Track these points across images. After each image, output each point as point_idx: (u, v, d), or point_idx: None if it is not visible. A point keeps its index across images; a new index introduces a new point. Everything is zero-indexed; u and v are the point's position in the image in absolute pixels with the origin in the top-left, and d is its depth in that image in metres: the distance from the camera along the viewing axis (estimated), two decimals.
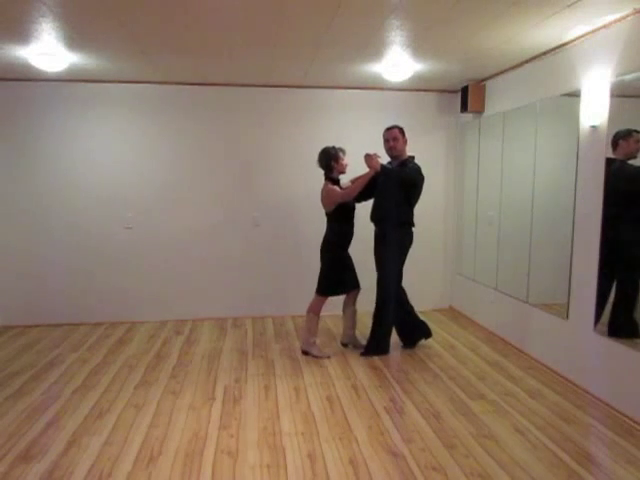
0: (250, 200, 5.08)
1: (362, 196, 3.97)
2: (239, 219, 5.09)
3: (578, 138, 3.37)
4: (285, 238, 5.17)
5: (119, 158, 4.89)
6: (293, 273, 5.23)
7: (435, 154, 5.33)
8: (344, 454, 2.59)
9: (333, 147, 3.95)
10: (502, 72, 4.38)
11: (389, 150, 4.00)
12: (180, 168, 4.97)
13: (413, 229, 4.03)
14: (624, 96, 3.02)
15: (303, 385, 3.49)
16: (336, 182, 3.97)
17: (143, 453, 2.60)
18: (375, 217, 4.09)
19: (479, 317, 4.95)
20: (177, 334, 4.64)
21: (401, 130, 3.99)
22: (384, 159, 4.01)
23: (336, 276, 4.01)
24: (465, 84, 4.78)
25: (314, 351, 4.03)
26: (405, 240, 4.02)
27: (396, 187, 3.89)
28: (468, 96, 4.72)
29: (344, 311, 4.21)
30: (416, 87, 5.04)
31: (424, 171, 5.33)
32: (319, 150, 5.10)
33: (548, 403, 3.20)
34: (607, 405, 3.13)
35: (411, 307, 4.25)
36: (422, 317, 5.18)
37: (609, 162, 3.08)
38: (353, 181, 4.05)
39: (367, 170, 3.88)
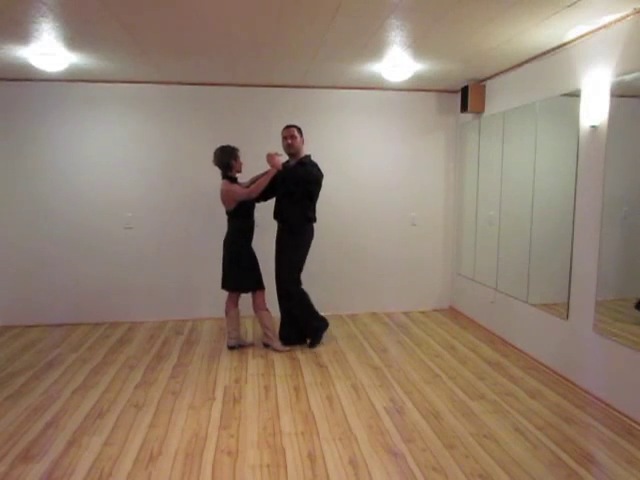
0: None
1: (263, 196, 4.06)
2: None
3: (578, 138, 3.37)
4: None
5: (119, 158, 4.89)
6: None
7: (435, 154, 5.33)
8: (344, 454, 2.59)
9: (229, 145, 3.99)
10: (502, 72, 4.38)
11: (287, 147, 4.08)
12: (180, 168, 4.97)
13: (314, 224, 4.20)
14: (624, 96, 3.02)
15: (303, 385, 3.49)
16: (234, 180, 4.01)
17: (143, 453, 2.60)
18: (278, 215, 4.17)
19: (479, 317, 4.95)
20: (177, 334, 4.64)
21: (299, 129, 4.10)
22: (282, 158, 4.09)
23: (256, 268, 4.08)
24: (465, 84, 4.78)
25: (276, 345, 4.12)
26: (307, 236, 4.16)
27: (297, 185, 3.99)
28: (468, 96, 4.71)
29: (227, 312, 4.15)
30: (416, 87, 5.04)
31: (425, 172, 5.40)
32: (322, 149, 5.13)
33: (548, 403, 3.20)
34: (607, 405, 3.13)
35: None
36: (422, 317, 5.22)
37: None
38: (254, 179, 4.13)
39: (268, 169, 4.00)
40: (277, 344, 4.14)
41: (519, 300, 4.15)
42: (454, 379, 3.59)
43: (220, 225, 5.28)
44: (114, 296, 5.00)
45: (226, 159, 3.96)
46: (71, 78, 4.58)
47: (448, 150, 5.35)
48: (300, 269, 4.19)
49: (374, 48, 3.65)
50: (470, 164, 5.03)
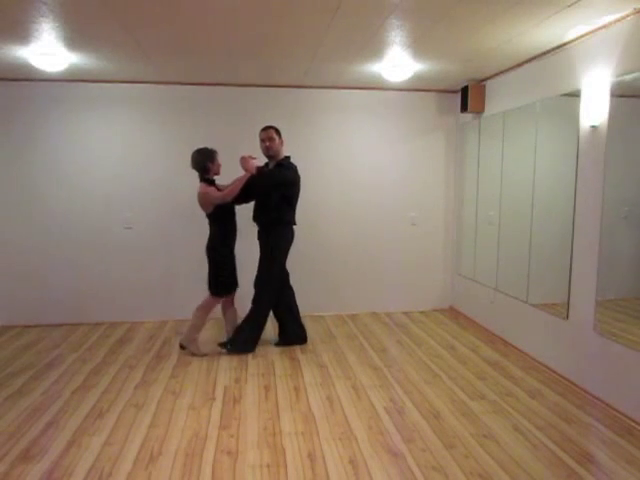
0: None
1: (240, 199, 3.99)
2: (237, 219, 5.07)
3: (578, 138, 3.37)
4: None
5: (119, 158, 4.89)
6: (293, 273, 5.22)
7: (435, 154, 5.33)
8: (344, 454, 2.59)
9: (207, 148, 3.94)
10: (502, 72, 4.38)
11: (265, 150, 4.01)
12: (180, 168, 4.94)
13: (294, 227, 4.12)
14: (624, 96, 3.02)
15: (303, 385, 3.49)
16: (212, 183, 3.96)
17: (143, 453, 2.60)
18: (256, 218, 4.12)
19: (479, 317, 4.95)
20: (177, 334, 4.63)
21: (277, 130, 4.02)
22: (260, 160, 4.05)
23: (228, 276, 4.03)
24: (465, 84, 4.78)
25: (192, 348, 4.04)
26: (286, 239, 4.09)
27: (274, 188, 3.93)
28: (468, 96, 4.71)
29: (225, 313, 4.20)
30: (416, 87, 5.04)
31: (425, 172, 5.40)
32: (322, 149, 5.14)
33: (548, 403, 3.20)
34: (607, 405, 3.13)
35: (297, 308, 4.29)
36: (422, 317, 5.22)
37: None
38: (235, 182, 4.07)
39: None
40: (194, 348, 4.03)
41: (519, 300, 4.14)
42: (454, 379, 3.59)
43: None
44: (114, 296, 5.00)
45: (202, 162, 3.90)
46: (71, 78, 4.58)
47: (448, 150, 5.35)
48: (276, 273, 4.10)
49: (374, 48, 3.65)
50: (470, 164, 5.03)
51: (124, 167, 4.90)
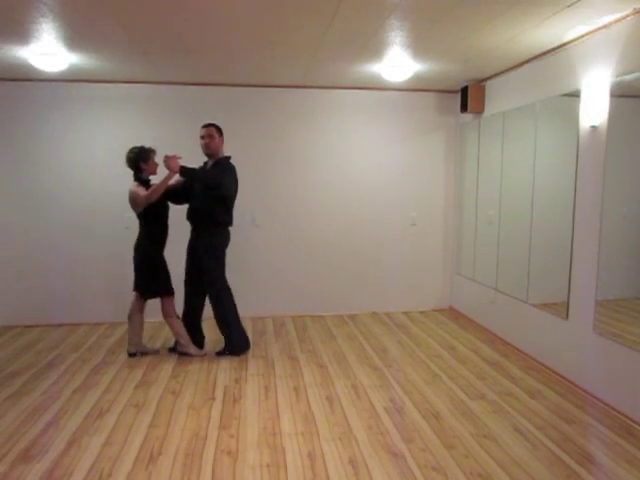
0: (249, 200, 5.07)
1: (178, 198, 3.97)
2: (238, 219, 5.06)
3: (578, 138, 3.37)
4: (285, 238, 5.18)
5: (119, 158, 4.85)
6: (293, 273, 5.23)
7: (435, 154, 5.33)
8: (344, 454, 2.59)
9: (142, 147, 3.86)
10: (502, 72, 4.38)
11: (204, 147, 3.92)
12: None
13: (230, 228, 4.04)
14: (624, 96, 3.02)
15: (303, 385, 3.49)
16: (145, 183, 3.88)
17: (143, 453, 2.60)
18: (189, 217, 4.05)
19: (479, 317, 4.95)
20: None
21: (218, 129, 3.93)
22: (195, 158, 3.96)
23: (165, 274, 3.98)
24: (465, 84, 4.78)
25: (191, 351, 4.02)
26: (219, 240, 3.99)
27: (208, 188, 3.83)
28: (468, 96, 4.71)
29: (131, 318, 3.99)
30: (416, 87, 5.04)
31: (425, 172, 5.40)
32: (322, 150, 5.14)
33: (548, 403, 3.20)
34: (607, 405, 3.13)
35: (199, 319, 4.20)
36: (422, 317, 5.22)
37: None
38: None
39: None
40: (192, 349, 4.03)
41: (519, 300, 4.14)
42: (454, 379, 3.59)
43: None
44: (114, 296, 4.99)
45: (135, 161, 3.83)
46: (71, 78, 4.58)
47: (448, 150, 5.35)
48: (222, 270, 4.01)
49: (374, 48, 3.65)
50: (470, 164, 5.03)
51: (124, 167, 4.88)
